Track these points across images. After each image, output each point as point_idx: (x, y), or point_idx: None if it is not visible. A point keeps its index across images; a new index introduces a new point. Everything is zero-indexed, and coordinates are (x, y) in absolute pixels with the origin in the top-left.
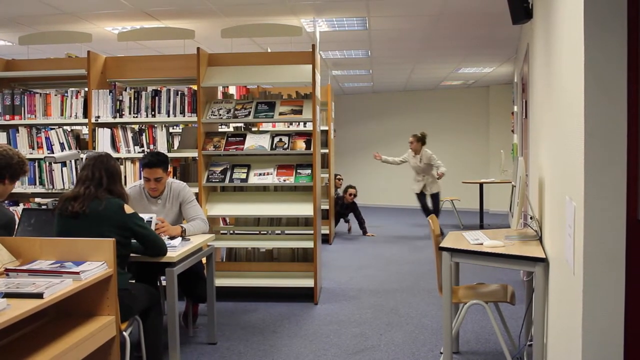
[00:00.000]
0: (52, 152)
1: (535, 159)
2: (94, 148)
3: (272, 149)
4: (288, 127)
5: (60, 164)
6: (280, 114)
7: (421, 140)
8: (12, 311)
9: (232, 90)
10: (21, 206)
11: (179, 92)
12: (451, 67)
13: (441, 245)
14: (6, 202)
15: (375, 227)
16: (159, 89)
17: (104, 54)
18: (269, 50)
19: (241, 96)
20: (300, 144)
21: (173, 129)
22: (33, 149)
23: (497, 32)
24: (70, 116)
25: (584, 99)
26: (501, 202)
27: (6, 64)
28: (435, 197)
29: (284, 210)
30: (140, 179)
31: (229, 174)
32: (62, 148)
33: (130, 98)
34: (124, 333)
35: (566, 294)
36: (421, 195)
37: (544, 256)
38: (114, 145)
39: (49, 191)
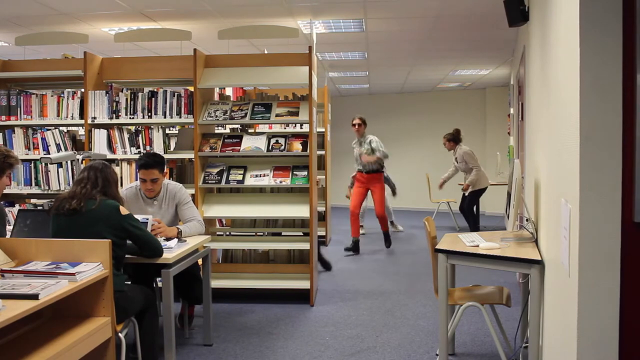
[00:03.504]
0: (48, 153)
1: (532, 161)
2: (90, 149)
3: (268, 150)
4: (284, 128)
5: (56, 165)
6: (277, 115)
7: (453, 138)
8: (7, 312)
9: (228, 91)
10: (17, 207)
11: (176, 94)
12: (448, 69)
13: (437, 247)
14: (2, 202)
15: (373, 228)
16: (155, 90)
17: (101, 55)
18: (266, 52)
19: (238, 97)
20: (297, 146)
21: (169, 130)
22: (29, 149)
23: (494, 35)
24: (67, 117)
25: (580, 101)
26: (497, 204)
27: (2, 64)
28: (470, 195)
29: (280, 211)
30: (137, 180)
31: (225, 175)
32: (58, 149)
33: (126, 99)
34: (120, 334)
35: (562, 296)
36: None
37: (540, 258)
38: (110, 146)
39: (45, 192)
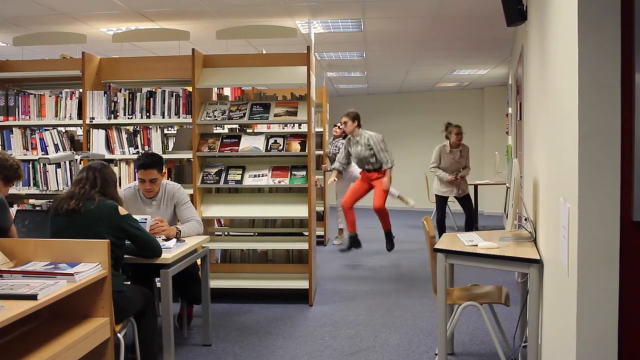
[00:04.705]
0: (47, 153)
1: (530, 161)
2: (89, 149)
3: (266, 150)
4: (283, 128)
5: (54, 165)
6: (275, 115)
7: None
8: (5, 313)
9: (227, 91)
10: (15, 207)
11: (174, 94)
12: (446, 69)
13: (436, 246)
14: None
15: (370, 228)
16: (153, 90)
17: (99, 55)
18: (264, 52)
19: (236, 97)
20: (295, 146)
21: (168, 130)
22: (27, 150)
23: (492, 34)
24: (65, 117)
25: (578, 100)
26: (496, 203)
27: (0, 64)
28: (468, 198)
29: (279, 211)
30: (135, 180)
31: (223, 175)
32: (57, 149)
33: (124, 99)
34: (119, 335)
35: (560, 295)
36: (446, 201)
37: (539, 257)
38: (109, 146)
39: (43, 192)
